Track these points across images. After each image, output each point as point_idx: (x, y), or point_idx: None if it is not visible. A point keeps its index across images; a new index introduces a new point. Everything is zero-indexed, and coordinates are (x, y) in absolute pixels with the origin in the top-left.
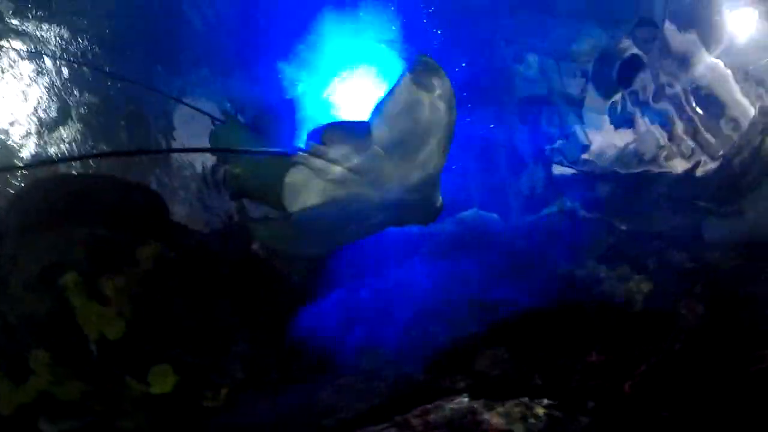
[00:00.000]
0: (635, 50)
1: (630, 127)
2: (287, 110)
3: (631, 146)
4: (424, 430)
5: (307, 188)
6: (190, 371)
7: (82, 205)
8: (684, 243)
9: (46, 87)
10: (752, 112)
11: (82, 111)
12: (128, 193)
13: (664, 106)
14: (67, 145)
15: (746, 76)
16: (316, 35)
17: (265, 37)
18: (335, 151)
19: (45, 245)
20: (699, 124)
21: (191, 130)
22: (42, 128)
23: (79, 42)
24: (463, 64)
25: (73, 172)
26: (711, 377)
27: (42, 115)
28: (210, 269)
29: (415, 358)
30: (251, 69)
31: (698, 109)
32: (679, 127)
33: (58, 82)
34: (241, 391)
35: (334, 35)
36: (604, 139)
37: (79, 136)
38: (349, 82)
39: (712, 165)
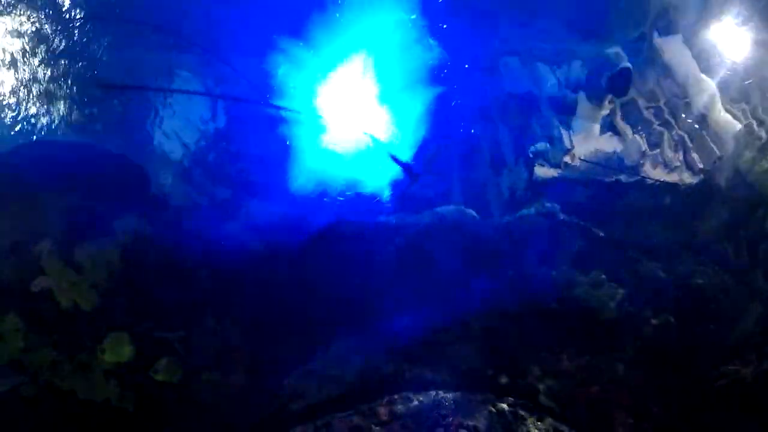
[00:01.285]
0: (628, 62)
1: (616, 136)
2: None
3: (616, 154)
4: (390, 420)
5: None
6: (152, 345)
7: (63, 175)
8: (659, 253)
9: None
10: (737, 128)
11: None
12: (111, 165)
13: (652, 118)
14: None
15: (733, 94)
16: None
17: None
18: None
19: (21, 213)
20: (684, 137)
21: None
22: None
23: None
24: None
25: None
26: (677, 389)
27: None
28: (186, 247)
29: (384, 348)
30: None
31: (684, 124)
32: (664, 139)
33: None
34: (207, 370)
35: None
36: (589, 145)
37: None
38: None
39: (693, 179)
